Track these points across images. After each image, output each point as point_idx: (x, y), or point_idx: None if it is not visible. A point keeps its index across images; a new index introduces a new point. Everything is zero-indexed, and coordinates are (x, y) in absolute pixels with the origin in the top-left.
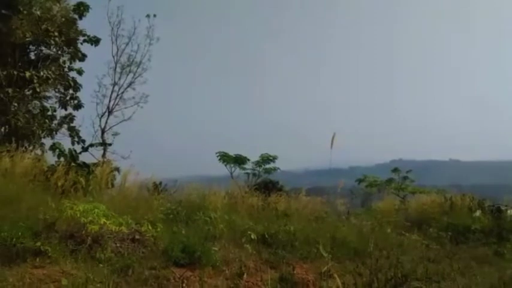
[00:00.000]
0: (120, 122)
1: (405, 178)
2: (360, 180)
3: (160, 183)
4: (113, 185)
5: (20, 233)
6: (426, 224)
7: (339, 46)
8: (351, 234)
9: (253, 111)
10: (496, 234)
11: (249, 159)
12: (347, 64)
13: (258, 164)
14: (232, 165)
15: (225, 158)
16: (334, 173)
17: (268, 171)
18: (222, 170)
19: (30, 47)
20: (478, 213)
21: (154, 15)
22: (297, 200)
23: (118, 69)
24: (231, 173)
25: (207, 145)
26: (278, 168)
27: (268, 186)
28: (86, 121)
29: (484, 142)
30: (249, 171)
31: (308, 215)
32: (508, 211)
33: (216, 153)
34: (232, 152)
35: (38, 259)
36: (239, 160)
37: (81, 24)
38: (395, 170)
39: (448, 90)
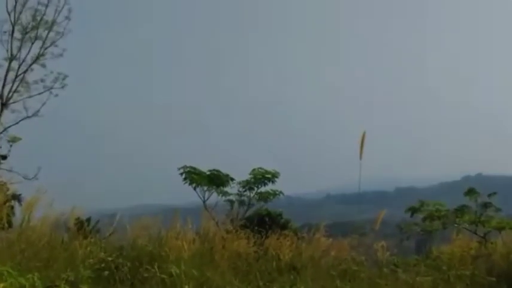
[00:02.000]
0: (22, 119)
1: (487, 205)
2: (413, 210)
3: (89, 219)
4: (10, 224)
5: None
6: None
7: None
8: None
9: (243, 110)
10: None
11: (232, 179)
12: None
13: (247, 185)
14: (205, 187)
15: (193, 176)
16: (370, 198)
17: (264, 197)
18: (189, 196)
19: None
20: None
21: None
22: (312, 244)
23: (17, 35)
24: (204, 201)
25: (168, 160)
26: (281, 192)
27: (264, 222)
28: None
29: None
30: (233, 197)
31: (330, 267)
32: None
33: (179, 168)
34: (205, 168)
35: None
36: (216, 179)
37: None
38: (470, 191)
39: None
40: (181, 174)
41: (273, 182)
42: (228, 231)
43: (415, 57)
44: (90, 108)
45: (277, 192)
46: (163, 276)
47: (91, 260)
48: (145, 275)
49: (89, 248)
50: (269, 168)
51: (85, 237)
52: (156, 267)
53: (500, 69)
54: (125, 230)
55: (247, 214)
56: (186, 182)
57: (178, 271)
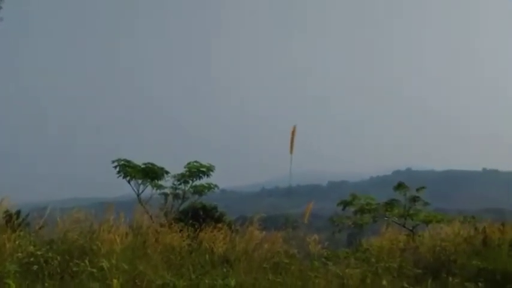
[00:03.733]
0: None
1: (415, 199)
2: (345, 203)
3: (18, 212)
4: None
5: None
6: (446, 271)
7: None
8: None
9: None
10: None
11: (167, 172)
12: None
13: (182, 178)
14: (140, 181)
15: (127, 169)
16: (304, 191)
17: (199, 190)
18: (123, 189)
19: None
20: None
21: None
22: (246, 237)
23: None
24: (138, 194)
25: (102, 153)
26: (216, 186)
27: (199, 215)
28: None
29: None
30: (167, 190)
31: (263, 260)
32: None
33: (113, 161)
34: (140, 161)
35: None
36: (151, 173)
37: None
38: (399, 186)
39: (478, 81)
40: (115, 167)
41: (208, 175)
42: (162, 225)
43: (348, 55)
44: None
45: (212, 186)
46: (93, 270)
47: (19, 254)
48: (76, 269)
49: (17, 242)
50: (204, 162)
51: (13, 231)
52: (86, 261)
53: (431, 66)
54: (56, 223)
55: (182, 207)
56: (120, 175)
57: (109, 264)
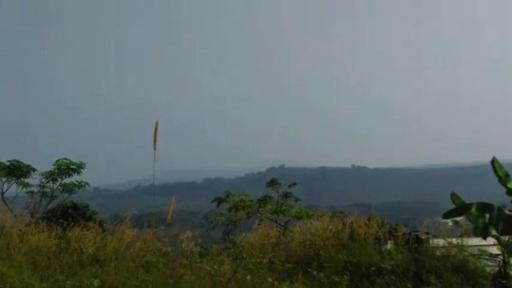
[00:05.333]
0: None
1: (287, 195)
2: (219, 200)
3: None
4: None
5: None
6: (316, 264)
7: None
8: (199, 286)
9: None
10: (412, 276)
11: (34, 169)
12: None
13: (50, 176)
14: (4, 179)
15: None
16: (180, 189)
17: (69, 188)
18: None
19: None
20: (389, 245)
21: None
22: (117, 236)
23: None
24: (2, 193)
25: None
26: (86, 183)
27: (68, 214)
28: None
29: (401, 145)
30: (34, 188)
31: (134, 258)
32: (430, 241)
33: None
34: (3, 158)
35: None
36: (16, 170)
37: None
38: (272, 182)
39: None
40: None
41: (78, 173)
42: (27, 224)
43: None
44: None
45: (82, 184)
46: None
47: None
48: None
49: None
50: (75, 160)
51: None
52: None
53: (310, 66)
54: None
55: (51, 206)
56: None
57: None
